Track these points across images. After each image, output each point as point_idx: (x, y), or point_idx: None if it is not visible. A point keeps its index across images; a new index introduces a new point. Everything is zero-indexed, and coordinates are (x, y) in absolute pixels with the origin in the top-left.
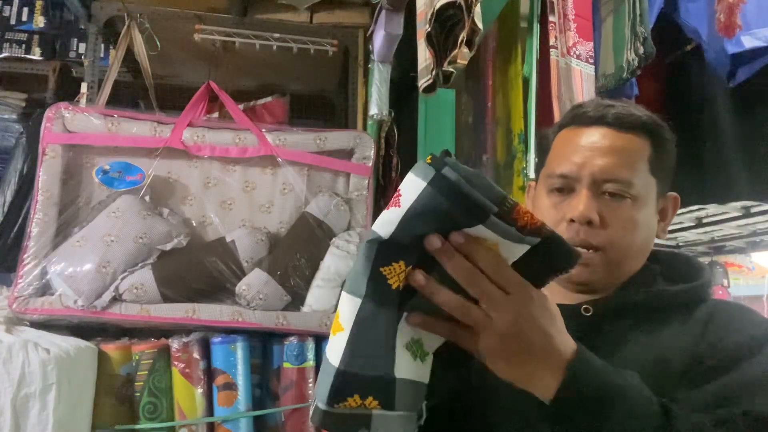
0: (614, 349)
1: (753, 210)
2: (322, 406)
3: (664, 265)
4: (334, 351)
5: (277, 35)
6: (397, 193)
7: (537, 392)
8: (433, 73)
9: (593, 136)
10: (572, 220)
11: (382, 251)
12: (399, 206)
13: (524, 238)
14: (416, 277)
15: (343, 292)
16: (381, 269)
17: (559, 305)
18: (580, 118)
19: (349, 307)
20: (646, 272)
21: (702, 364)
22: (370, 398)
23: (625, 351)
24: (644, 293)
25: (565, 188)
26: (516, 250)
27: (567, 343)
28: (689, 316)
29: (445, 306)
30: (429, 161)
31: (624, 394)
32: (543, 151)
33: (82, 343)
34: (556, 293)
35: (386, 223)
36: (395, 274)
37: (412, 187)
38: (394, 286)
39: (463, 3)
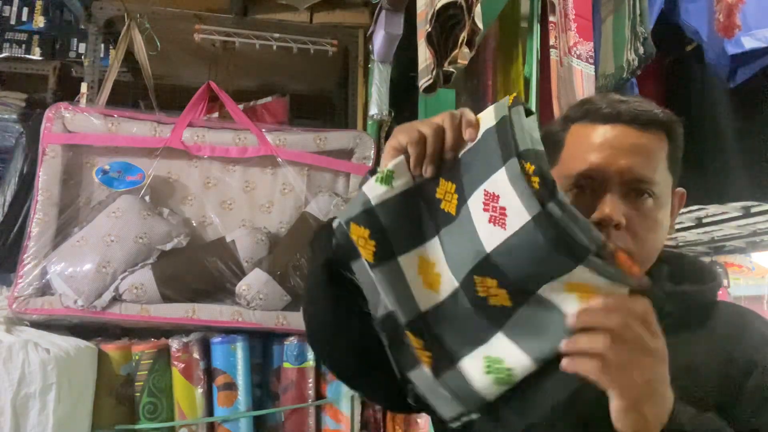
0: None
1: (753, 210)
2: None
3: (672, 266)
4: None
5: (277, 35)
6: (502, 211)
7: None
8: (434, 73)
9: (613, 134)
10: (598, 223)
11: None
12: (504, 228)
13: (628, 279)
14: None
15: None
16: (474, 276)
17: None
18: (593, 113)
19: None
20: (653, 273)
21: (741, 373)
22: (374, 242)
23: None
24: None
25: (587, 188)
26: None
27: (668, 387)
28: (705, 321)
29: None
30: (536, 186)
31: None
32: (551, 148)
33: (82, 343)
34: None
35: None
36: (485, 287)
37: (516, 214)
38: (489, 301)
39: (463, 3)
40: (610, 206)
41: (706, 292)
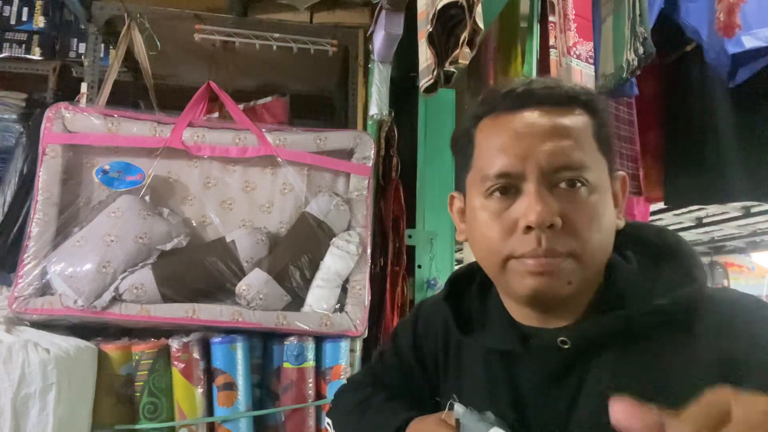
0: (607, 385)
1: (753, 210)
2: None
3: (635, 252)
4: None
5: (277, 35)
6: None
7: None
8: (435, 73)
9: (527, 120)
10: (529, 227)
11: None
12: None
13: None
14: None
15: None
16: None
17: (534, 330)
18: (501, 102)
19: None
20: (620, 275)
21: (746, 374)
22: None
23: (625, 384)
24: (629, 317)
25: (509, 189)
26: None
27: None
28: (698, 325)
29: None
30: None
31: None
32: (461, 153)
33: (82, 343)
34: (525, 315)
35: None
36: None
37: None
38: None
39: (464, 3)
40: (540, 204)
41: (697, 295)
